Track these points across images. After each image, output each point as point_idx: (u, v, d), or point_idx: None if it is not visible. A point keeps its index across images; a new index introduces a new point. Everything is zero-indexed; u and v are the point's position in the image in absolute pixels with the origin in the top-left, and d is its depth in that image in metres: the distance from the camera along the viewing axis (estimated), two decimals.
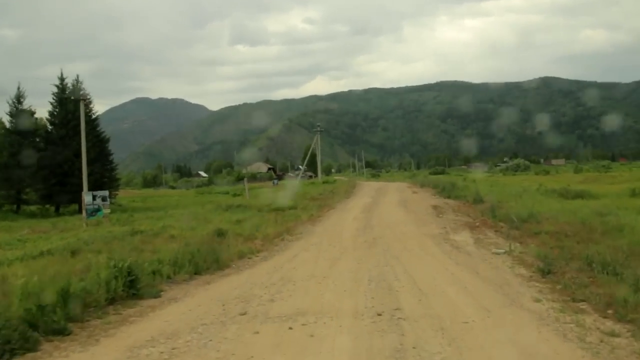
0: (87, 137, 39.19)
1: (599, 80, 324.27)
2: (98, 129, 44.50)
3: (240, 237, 15.14)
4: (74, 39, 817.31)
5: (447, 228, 15.37)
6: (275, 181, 73.17)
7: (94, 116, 43.73)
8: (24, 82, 44.47)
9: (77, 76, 42.64)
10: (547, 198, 22.69)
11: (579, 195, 24.87)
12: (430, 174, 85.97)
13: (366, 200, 29.30)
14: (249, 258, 11.95)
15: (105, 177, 42.04)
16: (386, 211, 22.18)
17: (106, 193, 26.52)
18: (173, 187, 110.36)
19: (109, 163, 44.65)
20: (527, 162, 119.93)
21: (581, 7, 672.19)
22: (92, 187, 29.43)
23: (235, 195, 46.14)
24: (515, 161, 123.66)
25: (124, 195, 65.09)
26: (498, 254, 10.88)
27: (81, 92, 40.38)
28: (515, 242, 11.96)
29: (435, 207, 22.82)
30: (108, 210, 25.91)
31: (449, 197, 27.29)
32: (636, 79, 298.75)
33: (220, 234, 15.17)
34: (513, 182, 44.61)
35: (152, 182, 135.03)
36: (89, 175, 33.28)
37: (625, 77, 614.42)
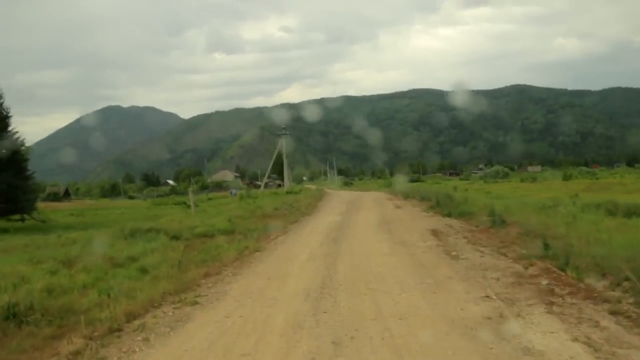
0: None
1: (570, 87, 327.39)
2: (9, 129, 37.77)
3: (48, 326, 6.85)
4: (48, 46, 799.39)
5: (490, 296, 7.28)
6: (233, 191, 64.58)
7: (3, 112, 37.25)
8: None
9: None
10: (602, 217, 14.99)
11: (632, 211, 17.37)
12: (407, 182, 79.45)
13: (333, 220, 21.19)
14: None
15: (18, 188, 35.02)
16: (361, 244, 13.74)
17: None
18: (132, 197, 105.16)
19: (22, 171, 37.69)
20: (505, 169, 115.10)
21: (554, 16, 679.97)
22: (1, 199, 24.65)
23: (190, 207, 39.57)
24: (494, 168, 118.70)
25: (76, 206, 57.02)
26: None
27: None
28: None
29: (435, 233, 15.01)
30: None
31: (448, 216, 19.30)
32: (606, 86, 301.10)
33: (17, 314, 6.91)
34: (507, 191, 37.51)
35: (109, 191, 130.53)
36: None
37: (596, 84, 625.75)
